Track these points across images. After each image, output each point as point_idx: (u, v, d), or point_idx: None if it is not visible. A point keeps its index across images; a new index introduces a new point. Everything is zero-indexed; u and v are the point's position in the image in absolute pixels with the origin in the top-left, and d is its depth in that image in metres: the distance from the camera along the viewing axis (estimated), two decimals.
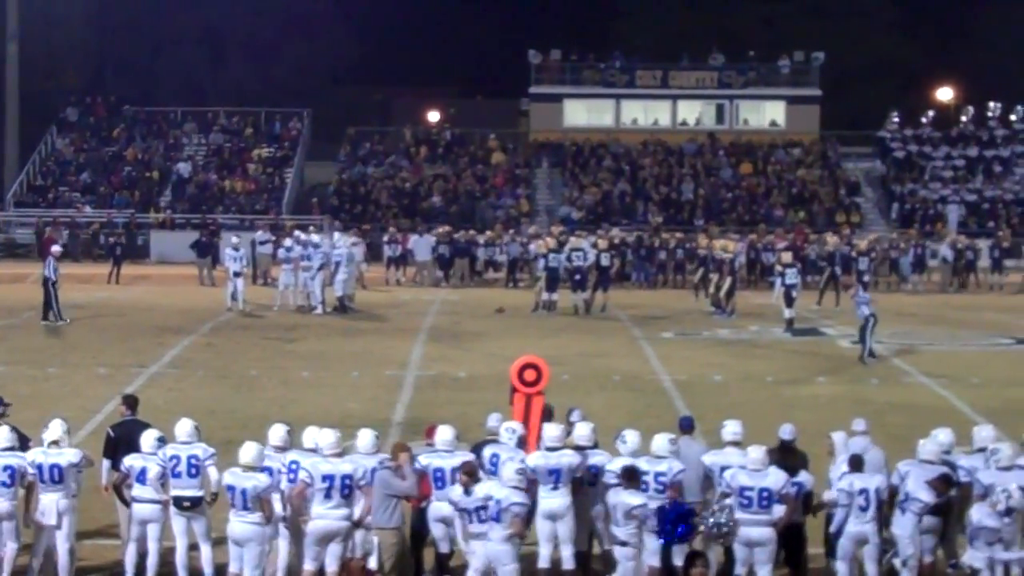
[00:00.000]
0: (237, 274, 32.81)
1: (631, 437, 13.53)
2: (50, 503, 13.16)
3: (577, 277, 33.63)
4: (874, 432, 14.71)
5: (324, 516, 12.76)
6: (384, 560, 12.94)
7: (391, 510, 12.91)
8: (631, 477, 12.89)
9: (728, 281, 33.10)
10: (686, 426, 14.29)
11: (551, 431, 13.51)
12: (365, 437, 13.40)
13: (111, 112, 57.73)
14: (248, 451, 12.91)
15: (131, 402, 14.80)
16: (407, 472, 12.97)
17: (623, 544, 12.77)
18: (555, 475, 13.15)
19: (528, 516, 12.77)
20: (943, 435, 13.86)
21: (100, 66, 68.82)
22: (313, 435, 13.35)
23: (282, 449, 13.38)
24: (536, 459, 13.29)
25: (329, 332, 29.78)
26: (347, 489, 12.81)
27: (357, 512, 12.95)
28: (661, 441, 13.33)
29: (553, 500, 13.16)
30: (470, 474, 12.75)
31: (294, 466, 13.08)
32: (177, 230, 48.03)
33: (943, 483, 13.04)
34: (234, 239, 34.21)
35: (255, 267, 39.02)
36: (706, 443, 15.05)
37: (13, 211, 51.27)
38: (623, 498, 12.78)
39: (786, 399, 22.40)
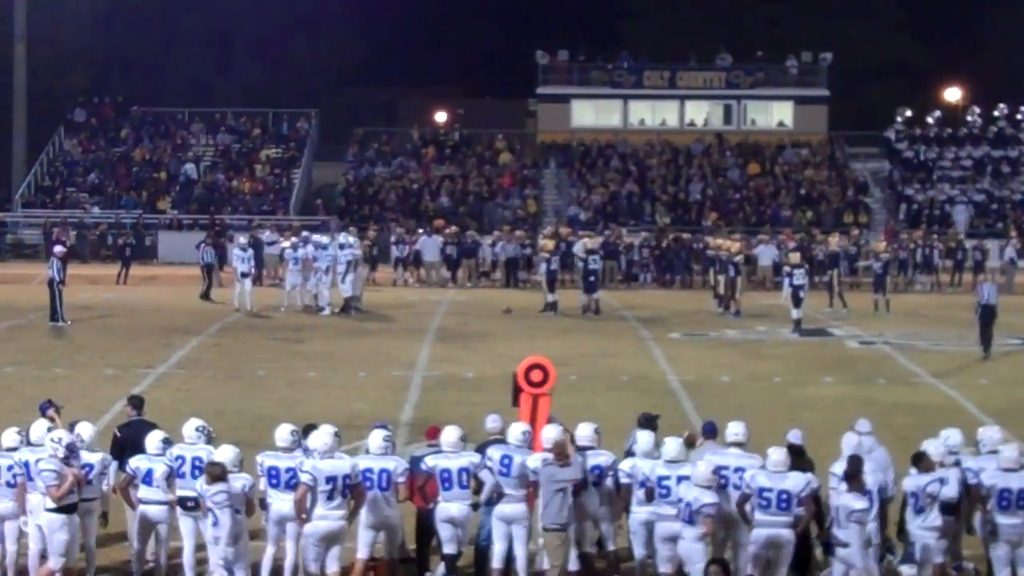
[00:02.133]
0: (244, 275, 32.87)
1: (643, 438, 13.54)
2: (36, 501, 13.07)
3: (591, 279, 33.61)
4: (881, 433, 14.72)
5: (326, 517, 12.77)
6: (555, 563, 12.83)
7: (561, 507, 12.82)
8: (854, 480, 12.74)
9: (740, 281, 33.17)
10: (709, 431, 14.20)
11: (549, 433, 13.49)
12: (376, 438, 13.36)
13: (119, 113, 57.77)
14: (225, 453, 12.91)
15: (137, 403, 14.83)
16: (573, 460, 12.95)
17: (844, 546, 12.57)
18: None
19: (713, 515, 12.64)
20: (951, 436, 13.81)
21: (108, 67, 68.80)
22: (313, 437, 13.30)
23: (289, 450, 13.38)
24: (537, 460, 13.26)
25: (336, 333, 29.79)
26: (347, 489, 12.83)
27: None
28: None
29: None
30: (215, 476, 12.58)
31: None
32: (185, 231, 48.10)
33: (919, 458, 13.08)
34: (242, 239, 34.23)
35: (260, 268, 38.86)
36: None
37: (21, 212, 51.37)
38: (845, 501, 12.61)
39: (793, 400, 22.38)
